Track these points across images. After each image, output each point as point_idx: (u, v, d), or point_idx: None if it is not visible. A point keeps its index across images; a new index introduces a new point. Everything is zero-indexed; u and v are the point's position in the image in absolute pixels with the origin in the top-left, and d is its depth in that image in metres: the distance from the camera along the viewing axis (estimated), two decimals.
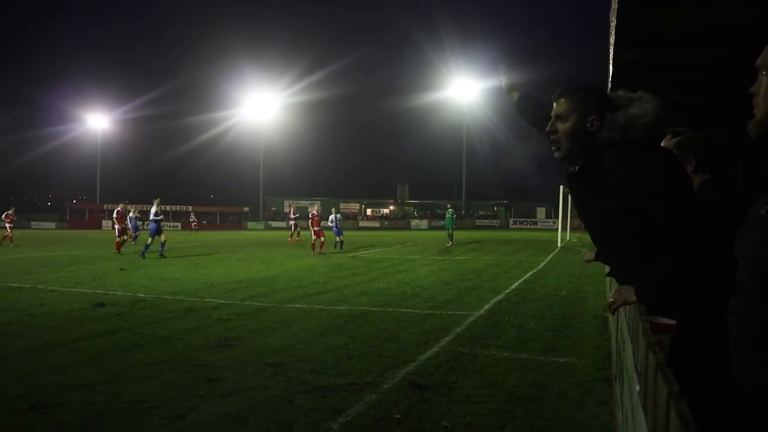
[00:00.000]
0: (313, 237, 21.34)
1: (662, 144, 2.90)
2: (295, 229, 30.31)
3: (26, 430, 4.02)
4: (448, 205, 30.14)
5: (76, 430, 4.02)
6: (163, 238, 19.43)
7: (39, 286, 11.73)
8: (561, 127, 2.33)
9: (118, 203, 23.63)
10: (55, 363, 5.78)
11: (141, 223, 26.04)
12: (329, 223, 23.29)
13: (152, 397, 4.72)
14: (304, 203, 79.17)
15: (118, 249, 21.37)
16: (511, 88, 3.30)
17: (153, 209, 19.69)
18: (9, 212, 27.42)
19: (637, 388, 1.74)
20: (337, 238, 23.74)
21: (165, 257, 18.95)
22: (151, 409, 4.43)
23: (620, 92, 2.32)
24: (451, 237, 28.25)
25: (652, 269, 2.08)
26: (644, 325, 1.84)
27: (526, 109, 3.11)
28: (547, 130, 2.40)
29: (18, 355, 6.09)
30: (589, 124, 2.28)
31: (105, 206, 76.46)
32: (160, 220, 19.82)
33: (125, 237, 22.26)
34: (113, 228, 22.56)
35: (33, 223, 70.46)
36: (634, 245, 2.24)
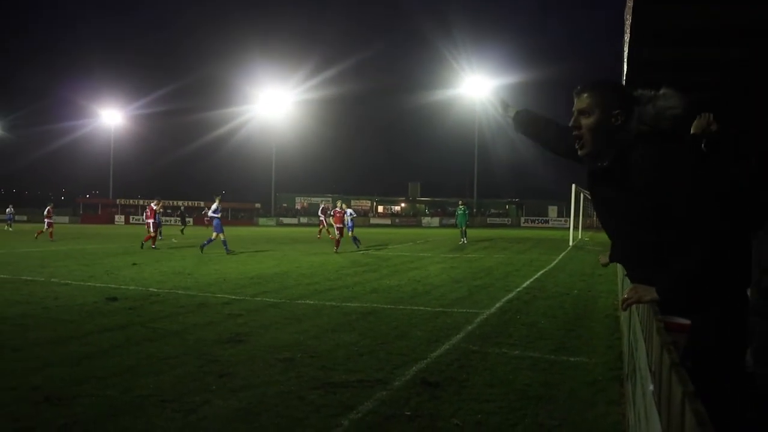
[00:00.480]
0: (337, 234, 21.20)
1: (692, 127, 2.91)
2: (323, 226, 29.67)
3: (41, 421, 4.06)
4: (460, 202, 29.47)
5: (90, 422, 4.05)
6: (222, 236, 19.46)
7: (52, 280, 11.84)
8: (585, 122, 2.33)
9: (153, 199, 24.03)
10: (69, 356, 5.83)
11: (162, 218, 26.39)
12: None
13: (164, 391, 4.75)
14: (315, 200, 79.46)
15: (154, 243, 21.76)
16: (505, 106, 3.28)
17: (214, 205, 19.82)
18: (49, 207, 28.33)
19: (651, 387, 1.73)
20: (349, 234, 23.59)
21: (233, 252, 19.23)
22: (163, 403, 4.46)
23: (641, 90, 2.32)
24: (463, 234, 28.02)
25: (671, 266, 2.07)
26: (658, 325, 1.83)
27: (524, 122, 3.10)
28: (570, 125, 2.39)
29: (32, 348, 6.15)
30: (613, 119, 2.27)
31: (118, 201, 77.13)
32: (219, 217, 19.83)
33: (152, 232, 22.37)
34: (148, 223, 22.74)
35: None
36: (656, 242, 2.22)
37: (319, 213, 31.19)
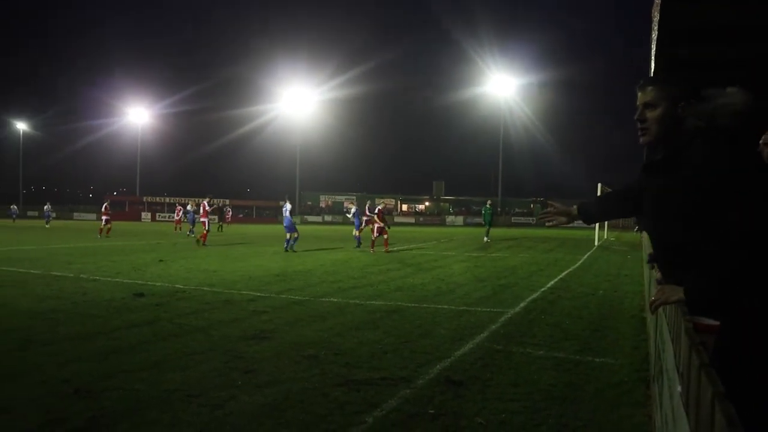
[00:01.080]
0: (375, 234, 20.88)
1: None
2: (365, 225, 29.22)
3: (71, 413, 4.14)
4: (489, 201, 29.38)
5: (117, 415, 4.12)
6: (295, 234, 20.17)
7: (81, 276, 12.05)
8: (650, 114, 2.39)
9: (205, 196, 24.98)
10: (97, 350, 5.94)
11: (197, 216, 26.92)
12: (349, 216, 23.38)
13: (190, 386, 4.81)
14: (339, 198, 79.73)
15: (204, 240, 22.12)
16: (567, 213, 3.25)
17: (287, 206, 20.83)
18: (106, 204, 29.03)
19: (679, 388, 1.71)
20: (356, 232, 23.57)
21: (295, 251, 19.61)
22: (190, 398, 4.52)
23: (710, 90, 2.37)
24: (487, 233, 27.93)
25: (705, 267, 2.06)
26: (687, 325, 1.81)
27: (589, 212, 3.15)
28: (635, 118, 2.44)
29: (62, 342, 6.28)
30: (677, 111, 2.34)
31: (144, 199, 78.16)
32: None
33: (205, 230, 22.99)
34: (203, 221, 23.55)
35: (75, 214, 72.52)
36: (694, 242, 2.21)
37: (366, 212, 30.19)
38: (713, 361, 1.55)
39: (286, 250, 19.64)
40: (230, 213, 54.52)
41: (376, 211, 21.95)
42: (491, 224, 28.41)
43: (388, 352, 6.04)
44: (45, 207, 42.54)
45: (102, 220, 28.36)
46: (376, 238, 20.84)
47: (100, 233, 27.39)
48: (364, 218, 27.92)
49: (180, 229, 29.87)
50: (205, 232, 22.43)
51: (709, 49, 5.14)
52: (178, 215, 31.49)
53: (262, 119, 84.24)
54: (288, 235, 20.12)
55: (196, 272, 13.10)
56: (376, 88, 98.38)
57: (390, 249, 20.56)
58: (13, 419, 4.02)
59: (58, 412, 4.17)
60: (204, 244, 21.43)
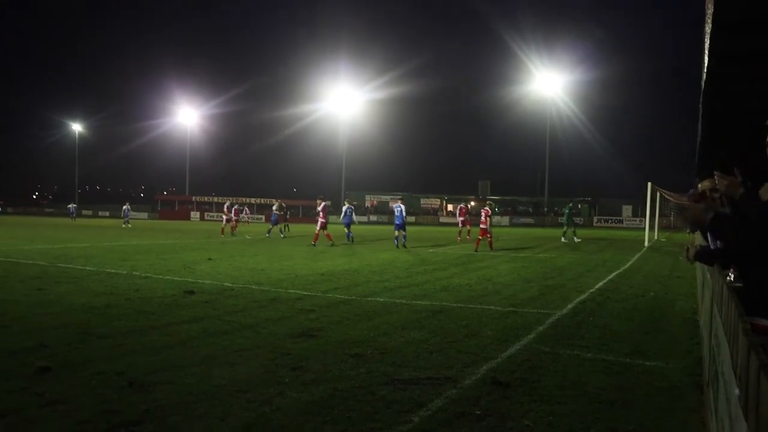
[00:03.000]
0: (480, 236, 20.99)
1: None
2: (463, 226, 28.67)
3: (125, 405, 4.27)
4: (570, 202, 29.06)
5: (170, 408, 4.23)
6: (346, 230, 24.32)
7: (134, 273, 12.40)
8: None
9: (277, 199, 28.14)
10: (150, 345, 6.11)
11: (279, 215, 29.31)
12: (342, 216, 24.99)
13: (239, 382, 4.90)
14: (385, 198, 79.83)
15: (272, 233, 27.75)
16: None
17: (345, 207, 24.89)
18: (236, 207, 31.04)
19: (737, 391, 1.66)
20: (347, 230, 24.75)
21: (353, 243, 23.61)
22: (238, 393, 4.60)
23: None
24: (564, 234, 27.61)
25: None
26: (744, 326, 1.76)
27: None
28: None
29: (117, 336, 6.48)
30: None
31: (193, 198, 79.88)
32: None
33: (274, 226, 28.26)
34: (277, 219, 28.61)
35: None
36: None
37: (459, 215, 29.26)
38: None
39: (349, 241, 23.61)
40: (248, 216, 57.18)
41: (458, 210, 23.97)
42: (572, 224, 28.03)
43: (434, 352, 6.03)
44: (124, 207, 44.09)
45: (233, 220, 29.88)
46: (481, 239, 20.87)
47: (222, 232, 29.25)
48: (460, 219, 27.62)
49: (235, 229, 30.88)
50: (273, 227, 28.19)
51: (765, 41, 4.96)
52: (236, 215, 32.60)
53: (307, 119, 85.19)
54: (347, 230, 24.31)
55: (244, 271, 13.33)
56: (421, 87, 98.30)
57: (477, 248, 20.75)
58: (70, 410, 4.16)
59: (113, 403, 4.31)
60: (313, 244, 22.42)
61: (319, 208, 23.17)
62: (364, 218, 72.80)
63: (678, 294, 10.51)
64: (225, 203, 31.17)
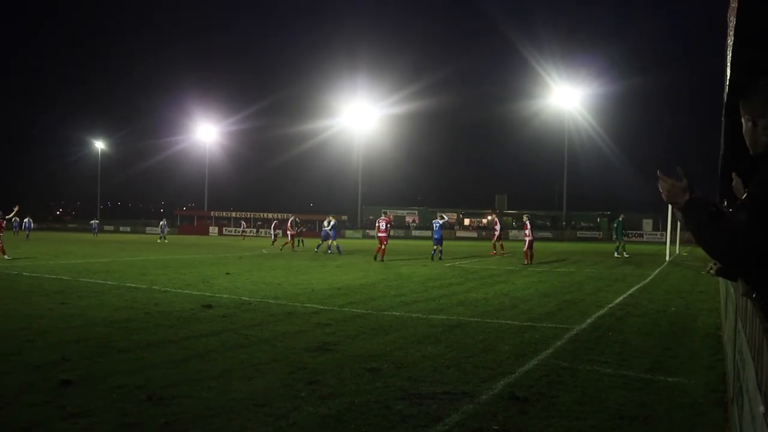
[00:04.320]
0: (526, 249, 21.91)
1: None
2: (498, 240, 28.47)
3: (145, 418, 4.30)
4: (621, 216, 28.40)
5: (188, 422, 4.25)
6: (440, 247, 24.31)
7: (153, 287, 12.50)
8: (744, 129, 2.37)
9: (291, 214, 29.48)
10: (168, 358, 6.15)
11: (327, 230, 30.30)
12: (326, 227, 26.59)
13: (256, 396, 4.91)
14: (401, 212, 79.86)
15: (292, 246, 29.85)
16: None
17: (325, 222, 27.08)
18: (292, 220, 31.92)
19: (762, 409, 1.63)
20: (330, 242, 26.46)
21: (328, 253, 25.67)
22: (256, 407, 4.61)
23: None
24: (617, 249, 27.12)
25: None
26: None
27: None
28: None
29: (136, 350, 6.53)
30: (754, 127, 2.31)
31: (212, 213, 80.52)
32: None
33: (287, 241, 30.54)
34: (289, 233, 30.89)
35: (148, 228, 75.74)
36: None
37: (495, 227, 29.05)
38: None
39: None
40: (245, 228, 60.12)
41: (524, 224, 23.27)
42: (617, 238, 27.44)
43: (450, 367, 6.00)
44: (161, 222, 45.43)
45: (288, 234, 31.28)
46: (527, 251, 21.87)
47: (284, 245, 30.96)
48: (497, 233, 27.30)
49: (274, 244, 32.32)
50: (286, 242, 30.00)
51: None
52: (275, 231, 33.92)
53: (324, 135, 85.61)
54: (322, 242, 26.87)
55: (261, 285, 13.38)
56: (437, 102, 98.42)
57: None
58: (90, 423, 4.20)
59: (133, 416, 4.34)
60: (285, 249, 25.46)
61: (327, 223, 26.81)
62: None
63: (700, 309, 10.37)
64: (288, 219, 33.00)
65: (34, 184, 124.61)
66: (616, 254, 26.89)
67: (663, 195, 2.23)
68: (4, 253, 20.22)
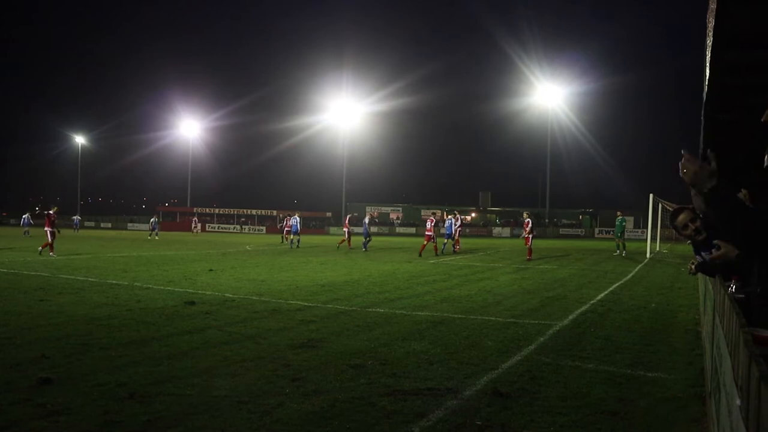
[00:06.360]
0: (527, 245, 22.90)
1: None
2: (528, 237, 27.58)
3: (126, 416, 4.27)
4: (618, 213, 28.35)
5: (171, 419, 4.22)
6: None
7: (135, 284, 12.40)
8: None
9: (289, 211, 29.47)
10: (151, 356, 6.11)
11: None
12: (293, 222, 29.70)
13: (240, 393, 4.89)
14: (385, 209, 79.89)
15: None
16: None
17: (366, 219, 29.21)
18: (350, 216, 32.71)
19: (738, 402, 1.66)
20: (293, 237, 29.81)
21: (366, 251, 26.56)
22: (239, 404, 4.60)
23: None
24: (618, 247, 27.15)
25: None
26: (746, 337, 1.76)
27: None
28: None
29: (118, 347, 6.48)
30: None
31: (195, 209, 80.00)
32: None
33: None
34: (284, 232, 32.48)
35: (129, 224, 75.05)
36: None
37: (526, 226, 27.24)
38: None
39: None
40: (198, 225, 59.55)
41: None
42: (621, 237, 27.49)
43: (434, 363, 6.02)
44: (152, 219, 44.86)
45: (345, 232, 31.45)
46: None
47: (286, 240, 32.21)
48: (527, 234, 27.14)
49: (286, 240, 32.49)
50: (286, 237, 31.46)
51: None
52: (287, 226, 34.19)
53: (309, 131, 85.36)
54: (365, 239, 28.05)
55: (245, 282, 13.32)
56: (422, 99, 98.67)
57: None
58: (72, 421, 4.16)
59: (115, 414, 4.31)
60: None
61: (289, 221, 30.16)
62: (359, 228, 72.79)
63: (680, 305, 10.50)
64: (288, 216, 33.64)
65: (14, 179, 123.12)
66: (617, 252, 26.93)
67: (686, 177, 2.08)
68: (51, 250, 20.73)
